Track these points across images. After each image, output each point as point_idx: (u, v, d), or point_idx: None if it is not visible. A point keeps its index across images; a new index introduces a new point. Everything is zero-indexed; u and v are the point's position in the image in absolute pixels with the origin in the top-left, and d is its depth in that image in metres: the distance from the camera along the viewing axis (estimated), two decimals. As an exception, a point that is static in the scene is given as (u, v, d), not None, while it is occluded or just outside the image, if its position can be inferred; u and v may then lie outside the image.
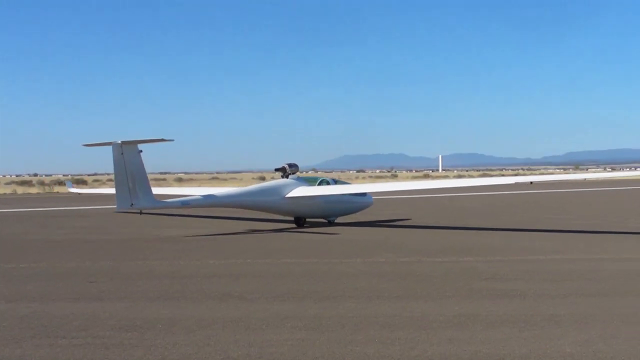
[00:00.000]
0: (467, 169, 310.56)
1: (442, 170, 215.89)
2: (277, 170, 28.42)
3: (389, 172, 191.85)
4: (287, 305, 11.29)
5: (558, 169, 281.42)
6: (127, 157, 22.50)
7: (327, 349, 8.72)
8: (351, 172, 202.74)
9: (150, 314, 10.74)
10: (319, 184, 27.79)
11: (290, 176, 27.88)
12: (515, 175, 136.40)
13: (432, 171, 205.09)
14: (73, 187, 49.97)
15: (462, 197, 50.33)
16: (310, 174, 31.98)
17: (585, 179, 43.77)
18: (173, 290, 12.81)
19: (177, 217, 31.97)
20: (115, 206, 23.45)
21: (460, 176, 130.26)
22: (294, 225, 26.83)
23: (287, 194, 26.50)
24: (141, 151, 22.82)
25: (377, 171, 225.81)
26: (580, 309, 10.71)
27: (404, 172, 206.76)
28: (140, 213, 24.76)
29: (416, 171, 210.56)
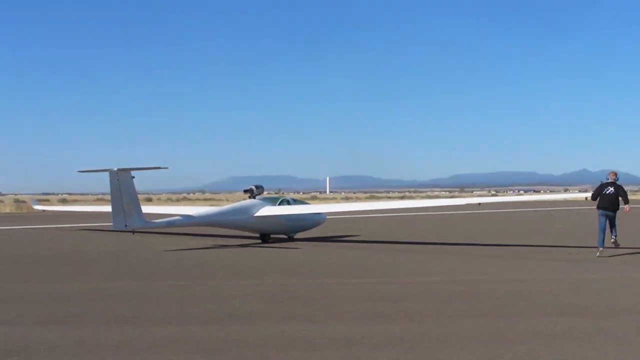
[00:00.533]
0: (354, 190, 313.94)
1: (330, 192, 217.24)
2: (245, 191, 31.03)
3: (276, 193, 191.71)
4: (172, 328, 11.15)
5: (444, 191, 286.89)
6: (122, 182, 24.95)
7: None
8: (239, 193, 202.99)
9: (33, 337, 10.47)
10: (280, 204, 30.32)
11: (257, 197, 30.41)
12: (402, 197, 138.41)
13: (320, 193, 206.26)
14: (37, 204, 51.97)
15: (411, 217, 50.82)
16: (265, 194, 33.63)
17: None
18: (58, 313, 12.54)
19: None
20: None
21: (348, 198, 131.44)
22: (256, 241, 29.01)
23: (255, 213, 28.78)
24: (134, 177, 25.28)
25: (265, 193, 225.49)
26: (464, 330, 10.89)
27: (292, 193, 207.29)
28: (133, 233, 27.04)
29: (304, 193, 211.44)
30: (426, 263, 20.59)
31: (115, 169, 25.04)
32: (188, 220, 28.22)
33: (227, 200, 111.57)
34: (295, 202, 32.27)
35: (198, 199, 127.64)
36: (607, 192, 22.68)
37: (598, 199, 22.77)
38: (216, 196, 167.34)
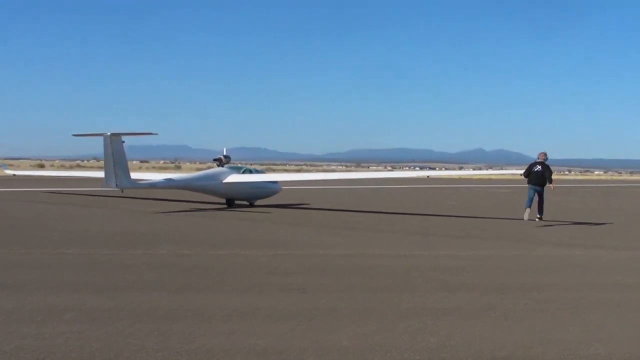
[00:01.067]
0: (250, 162, 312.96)
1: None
2: (215, 160, 33.92)
3: (172, 163, 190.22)
4: (64, 297, 10.95)
5: (340, 165, 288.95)
6: (114, 146, 27.53)
7: (105, 341, 8.51)
8: (134, 162, 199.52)
9: None
10: (243, 172, 33.04)
11: (225, 165, 33.19)
12: (299, 170, 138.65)
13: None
14: (8, 169, 52.71)
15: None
16: (161, 163, 39.00)
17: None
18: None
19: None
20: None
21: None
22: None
23: (223, 180, 31.63)
24: (124, 142, 27.90)
25: (161, 162, 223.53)
26: (358, 303, 10.96)
27: (188, 163, 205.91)
28: (122, 191, 29.47)
29: (200, 163, 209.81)
30: (327, 236, 20.67)
31: (109, 133, 27.55)
32: (168, 182, 31.11)
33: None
34: (257, 172, 34.96)
35: (92, 167, 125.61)
36: (536, 169, 27.24)
37: (528, 175, 27.27)
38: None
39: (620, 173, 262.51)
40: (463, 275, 13.95)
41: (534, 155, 28.60)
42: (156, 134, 30.75)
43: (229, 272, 13.54)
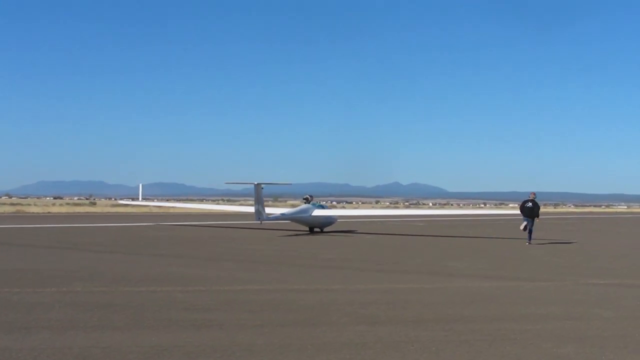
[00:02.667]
0: (167, 198, 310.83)
1: (143, 199, 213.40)
2: (304, 199, 45.30)
3: (87, 199, 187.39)
4: (-25, 337, 10.65)
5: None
6: (258, 191, 40.61)
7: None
8: (48, 198, 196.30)
9: None
10: (319, 208, 44.87)
11: (310, 202, 44.65)
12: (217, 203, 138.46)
13: (132, 199, 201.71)
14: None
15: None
16: (76, 199, 44.04)
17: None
18: None
19: None
20: None
21: (160, 205, 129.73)
22: None
23: (311, 213, 43.11)
24: (262, 188, 40.85)
25: (75, 198, 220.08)
26: (276, 338, 10.89)
27: (103, 200, 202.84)
28: (261, 223, 41.39)
29: (115, 199, 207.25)
30: (243, 272, 20.52)
31: (256, 182, 40.61)
32: (282, 216, 43.06)
33: (36, 204, 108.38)
34: (326, 207, 48.43)
35: (4, 203, 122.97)
36: (527, 205, 35.16)
37: (522, 210, 35.27)
38: (23, 201, 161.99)
39: None
40: (381, 309, 13.97)
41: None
42: (289, 184, 51.85)
43: (146, 309, 13.34)
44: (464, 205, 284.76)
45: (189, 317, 12.56)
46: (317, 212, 43.41)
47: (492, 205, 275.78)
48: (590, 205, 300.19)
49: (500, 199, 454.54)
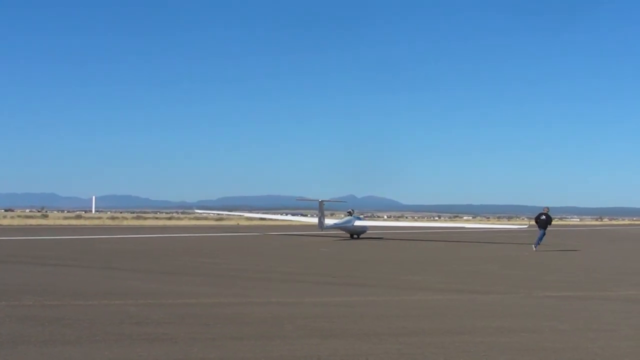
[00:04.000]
0: (121, 210, 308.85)
1: (96, 211, 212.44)
2: (348, 212, 57.53)
3: (39, 211, 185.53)
4: None
5: (213, 212, 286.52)
6: (321, 206, 53.49)
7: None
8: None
9: None
10: (358, 219, 56.91)
11: (352, 214, 56.84)
12: (170, 218, 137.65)
13: (85, 212, 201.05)
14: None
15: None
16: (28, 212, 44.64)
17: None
18: None
19: None
20: None
21: (114, 217, 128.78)
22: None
23: (354, 223, 55.17)
24: (323, 203, 53.74)
25: (27, 210, 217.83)
26: (229, 352, 10.82)
27: (56, 212, 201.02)
28: (321, 230, 53.80)
29: (68, 212, 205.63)
30: (196, 286, 20.38)
31: (320, 199, 53.78)
32: (335, 225, 54.92)
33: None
34: (361, 219, 60.74)
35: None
36: (542, 218, 41.69)
37: (537, 221, 41.70)
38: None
39: (489, 218, 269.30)
40: (335, 322, 13.93)
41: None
42: (345, 202, 69.55)
43: (97, 323, 13.18)
44: (419, 218, 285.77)
45: (142, 331, 12.43)
46: (357, 223, 55.65)
47: (447, 218, 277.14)
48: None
49: (455, 211, 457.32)
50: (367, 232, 59.00)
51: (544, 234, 41.65)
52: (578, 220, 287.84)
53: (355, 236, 55.38)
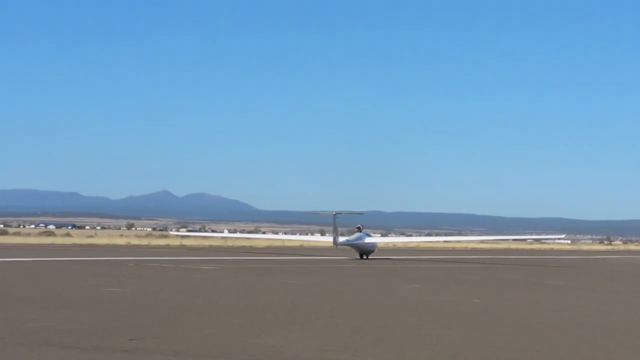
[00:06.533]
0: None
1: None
2: (357, 228, 54.99)
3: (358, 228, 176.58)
4: None
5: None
6: (335, 220, 53.06)
7: None
8: None
9: None
10: (366, 236, 55.61)
11: (362, 231, 54.93)
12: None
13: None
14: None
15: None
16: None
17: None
18: None
19: None
20: None
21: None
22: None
23: (364, 240, 54.44)
24: (336, 215, 53.14)
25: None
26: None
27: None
28: (336, 247, 53.39)
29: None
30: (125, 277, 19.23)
31: (334, 212, 53.59)
32: (347, 242, 53.91)
33: None
34: (371, 236, 60.54)
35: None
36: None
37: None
38: None
39: (411, 234, 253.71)
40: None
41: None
42: (362, 213, 61.81)
43: (16, 331, 12.50)
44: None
45: (59, 339, 11.69)
46: (367, 240, 55.13)
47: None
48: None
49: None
50: (376, 250, 56.46)
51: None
52: (568, 242, 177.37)
53: (364, 257, 53.21)
